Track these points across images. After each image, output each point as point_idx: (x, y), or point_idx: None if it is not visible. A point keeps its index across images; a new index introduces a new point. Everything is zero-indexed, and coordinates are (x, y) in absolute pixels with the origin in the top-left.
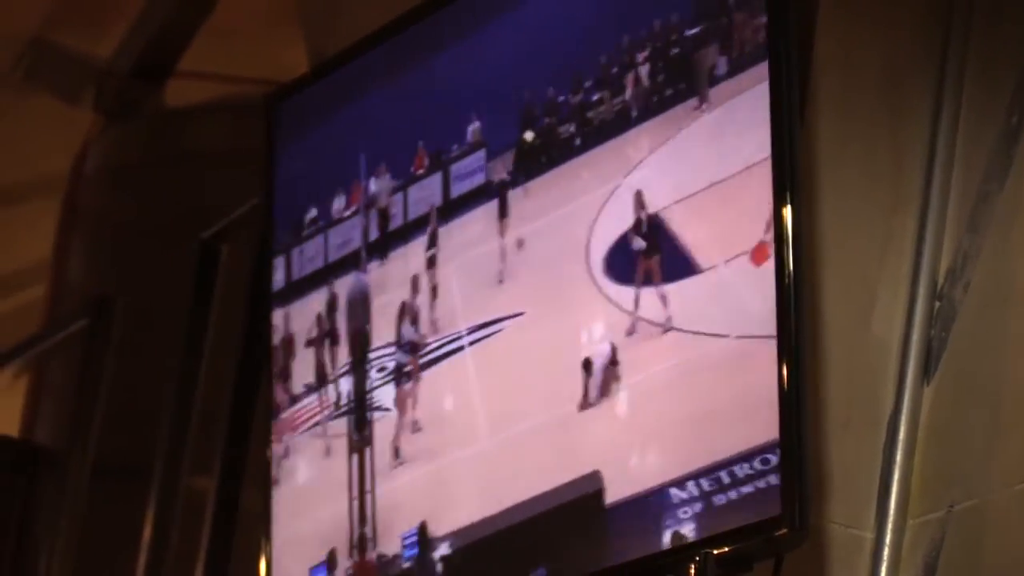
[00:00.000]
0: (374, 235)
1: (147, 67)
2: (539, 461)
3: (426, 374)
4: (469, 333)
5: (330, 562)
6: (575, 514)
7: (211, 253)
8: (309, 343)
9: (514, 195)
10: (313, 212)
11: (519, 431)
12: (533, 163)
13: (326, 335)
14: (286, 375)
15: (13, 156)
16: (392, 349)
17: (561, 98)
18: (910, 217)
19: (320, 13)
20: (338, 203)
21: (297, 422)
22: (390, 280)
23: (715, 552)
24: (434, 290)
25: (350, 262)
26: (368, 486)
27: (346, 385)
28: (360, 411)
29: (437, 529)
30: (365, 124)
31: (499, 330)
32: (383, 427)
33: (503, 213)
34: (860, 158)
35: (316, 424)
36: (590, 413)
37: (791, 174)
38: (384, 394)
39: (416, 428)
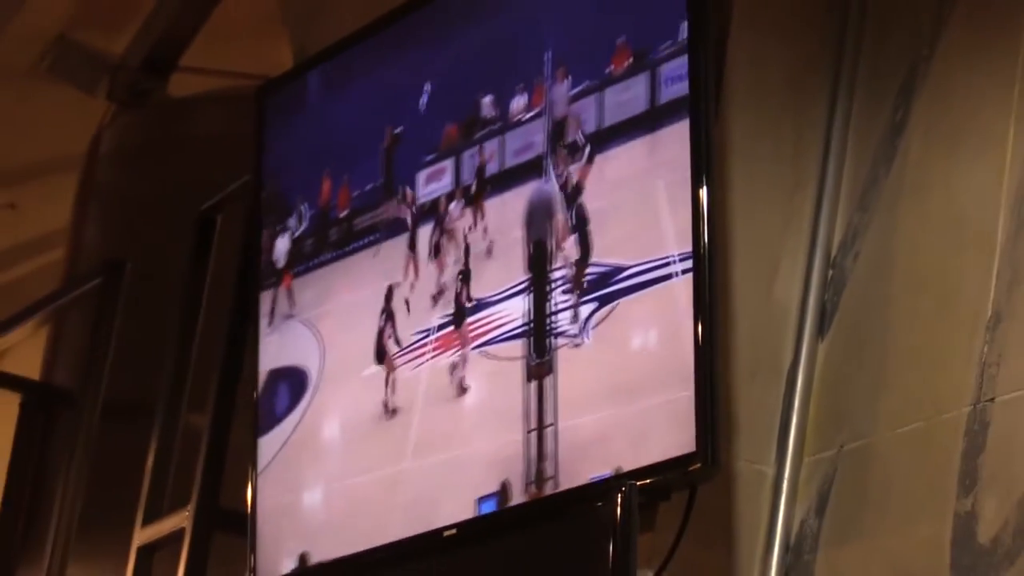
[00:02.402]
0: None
1: (154, 62)
2: None
3: (623, 301)
4: (681, 260)
5: (503, 493)
6: None
7: (208, 222)
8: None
9: None
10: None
11: None
12: None
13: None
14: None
15: (38, 137)
16: (593, 270)
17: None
18: (808, 197)
19: (303, 16)
20: (517, 103)
21: (472, 334)
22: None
23: (638, 483)
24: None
25: (530, 169)
26: (549, 419)
27: (522, 304)
28: (540, 334)
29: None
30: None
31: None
32: (571, 356)
33: None
34: (766, 147)
35: (487, 342)
36: None
37: (707, 160)
38: (572, 318)
39: (611, 363)
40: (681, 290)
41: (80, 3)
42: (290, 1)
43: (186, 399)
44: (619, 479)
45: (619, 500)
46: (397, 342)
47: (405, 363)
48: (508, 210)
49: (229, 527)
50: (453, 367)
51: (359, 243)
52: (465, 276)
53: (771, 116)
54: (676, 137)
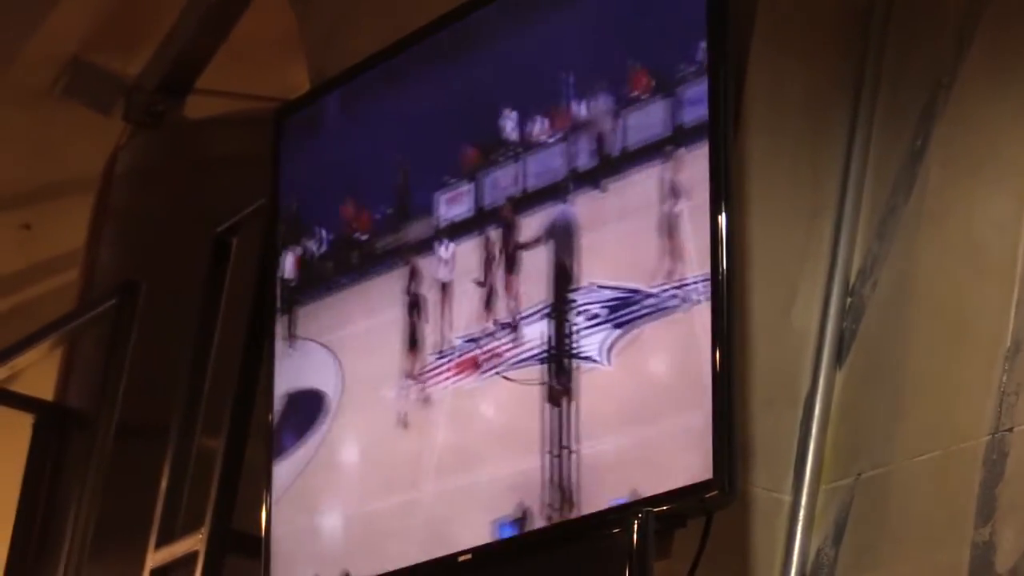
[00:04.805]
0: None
1: (170, 84)
2: None
3: (646, 326)
4: (699, 283)
5: (523, 518)
6: None
7: (223, 245)
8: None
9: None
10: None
11: None
12: None
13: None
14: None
15: (54, 159)
16: (613, 294)
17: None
18: (827, 225)
19: (320, 38)
20: (538, 126)
21: (493, 357)
22: (605, 213)
23: (655, 510)
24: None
25: (552, 192)
26: (569, 442)
27: (538, 329)
28: (560, 358)
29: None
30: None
31: None
32: (591, 380)
33: None
34: (785, 173)
35: (493, 368)
36: None
37: (725, 186)
38: (593, 343)
39: (632, 389)
40: (699, 316)
41: (96, 25)
42: (307, 23)
43: (200, 421)
44: (636, 505)
45: (635, 527)
46: (419, 365)
47: (426, 386)
48: (530, 234)
49: (242, 550)
50: (473, 390)
51: (380, 266)
52: (488, 300)
53: (790, 141)
54: (697, 161)
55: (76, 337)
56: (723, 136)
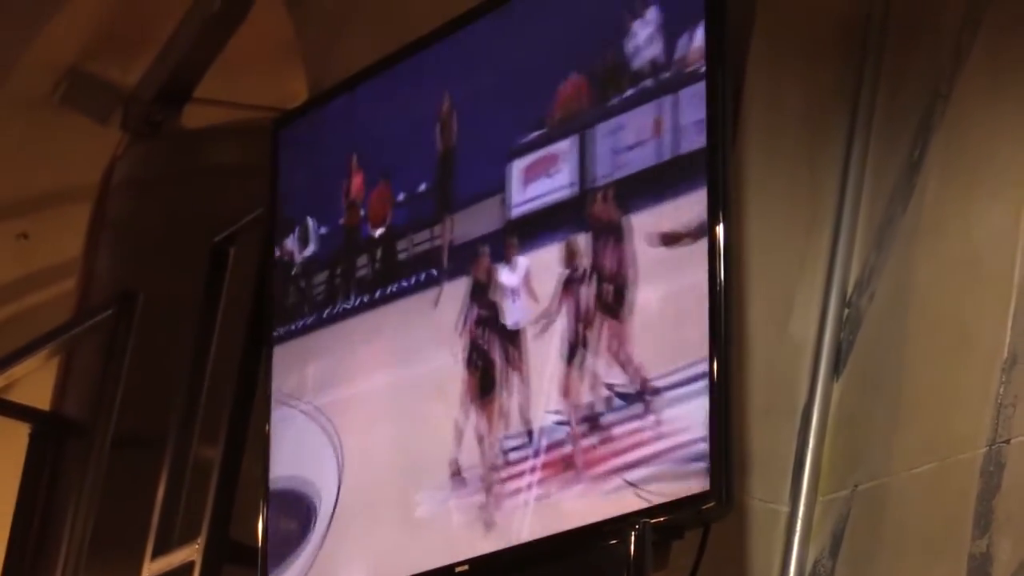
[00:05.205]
0: None
1: (168, 93)
2: None
3: None
4: None
5: None
6: None
7: (221, 255)
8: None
9: None
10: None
11: None
12: None
13: None
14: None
15: (51, 168)
16: None
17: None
18: (825, 235)
19: (318, 48)
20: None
21: (612, 453)
22: None
23: (652, 521)
24: None
25: None
26: None
27: (698, 407)
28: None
29: None
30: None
31: None
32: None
33: None
34: (783, 184)
35: (610, 472)
36: None
37: (723, 196)
38: None
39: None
40: None
41: (94, 34)
42: (305, 32)
43: (197, 430)
44: (633, 517)
45: (633, 538)
46: (478, 456)
47: (488, 494)
48: (679, 233)
49: (239, 560)
50: (574, 511)
51: (407, 281)
52: (591, 350)
53: (788, 153)
54: None
55: (73, 347)
56: (721, 139)
